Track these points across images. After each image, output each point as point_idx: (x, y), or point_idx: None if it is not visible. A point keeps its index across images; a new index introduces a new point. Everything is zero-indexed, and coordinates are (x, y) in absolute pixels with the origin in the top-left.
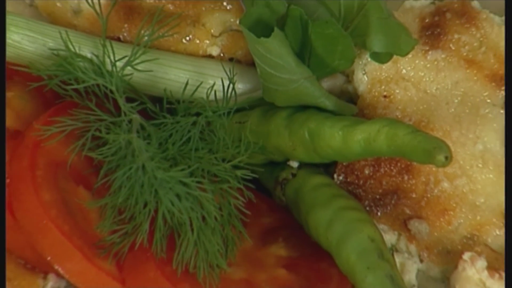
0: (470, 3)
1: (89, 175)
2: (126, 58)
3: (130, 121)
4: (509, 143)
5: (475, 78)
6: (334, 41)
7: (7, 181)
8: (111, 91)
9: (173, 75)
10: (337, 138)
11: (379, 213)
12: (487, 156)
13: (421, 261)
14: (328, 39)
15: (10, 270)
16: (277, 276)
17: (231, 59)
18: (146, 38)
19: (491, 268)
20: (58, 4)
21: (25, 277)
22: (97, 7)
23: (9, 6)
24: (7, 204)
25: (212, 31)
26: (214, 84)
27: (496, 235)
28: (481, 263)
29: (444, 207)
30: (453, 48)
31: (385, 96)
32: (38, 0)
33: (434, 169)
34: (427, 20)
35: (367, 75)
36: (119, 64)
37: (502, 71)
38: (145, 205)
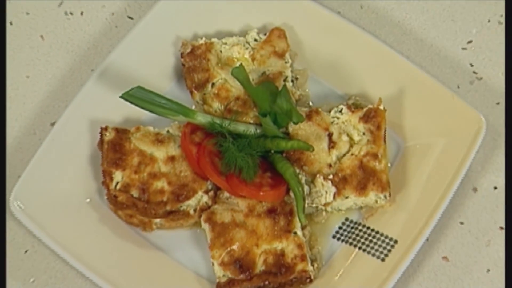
0: (318, 108)
1: (218, 154)
2: (227, 123)
3: (229, 140)
4: (510, 145)
5: (319, 129)
6: (284, 119)
7: (196, 155)
8: (223, 132)
9: (240, 128)
10: (283, 144)
11: (294, 164)
12: (324, 149)
13: (306, 176)
14: (282, 117)
15: (194, 178)
16: (267, 181)
17: (256, 123)
18: (233, 118)
19: (324, 178)
20: (205, 107)
21: (200, 180)
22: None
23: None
24: (196, 161)
25: (251, 116)
26: (252, 130)
27: (318, 169)
28: (322, 177)
29: (312, 162)
30: (314, 120)
31: (296, 133)
32: (204, 108)
33: (309, 153)
34: (307, 114)
35: (292, 128)
36: (226, 125)
37: (327, 128)
38: (233, 162)
